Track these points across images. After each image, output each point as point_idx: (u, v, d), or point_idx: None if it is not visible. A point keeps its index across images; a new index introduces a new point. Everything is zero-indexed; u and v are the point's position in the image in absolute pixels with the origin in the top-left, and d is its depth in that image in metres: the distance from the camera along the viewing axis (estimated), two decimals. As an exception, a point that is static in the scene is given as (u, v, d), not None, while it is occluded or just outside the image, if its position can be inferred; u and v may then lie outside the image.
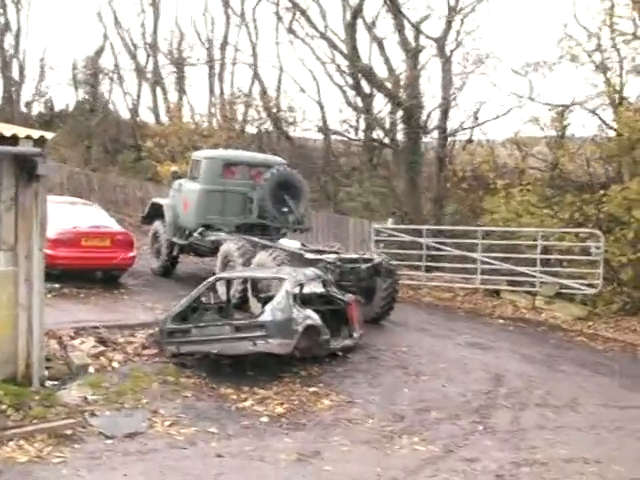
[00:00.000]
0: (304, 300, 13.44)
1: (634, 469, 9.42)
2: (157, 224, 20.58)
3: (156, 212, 20.83)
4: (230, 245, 17.07)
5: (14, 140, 10.29)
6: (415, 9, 28.17)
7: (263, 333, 11.97)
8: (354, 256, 16.55)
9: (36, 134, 10.51)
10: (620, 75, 21.73)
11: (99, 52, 45.36)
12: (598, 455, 9.75)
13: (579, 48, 21.72)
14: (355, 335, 14.00)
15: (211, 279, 14.03)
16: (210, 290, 13.85)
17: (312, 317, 12.74)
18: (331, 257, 15.85)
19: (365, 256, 16.48)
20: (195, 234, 18.86)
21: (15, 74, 47.95)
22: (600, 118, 21.84)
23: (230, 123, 35.57)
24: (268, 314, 12.21)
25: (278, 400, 11.34)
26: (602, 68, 21.38)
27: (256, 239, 17.33)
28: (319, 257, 15.86)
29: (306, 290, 13.95)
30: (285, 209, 18.66)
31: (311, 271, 14.28)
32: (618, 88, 21.51)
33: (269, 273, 14.52)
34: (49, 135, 10.71)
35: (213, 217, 18.91)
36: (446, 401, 11.83)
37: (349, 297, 14.37)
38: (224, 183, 19.01)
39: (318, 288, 14.42)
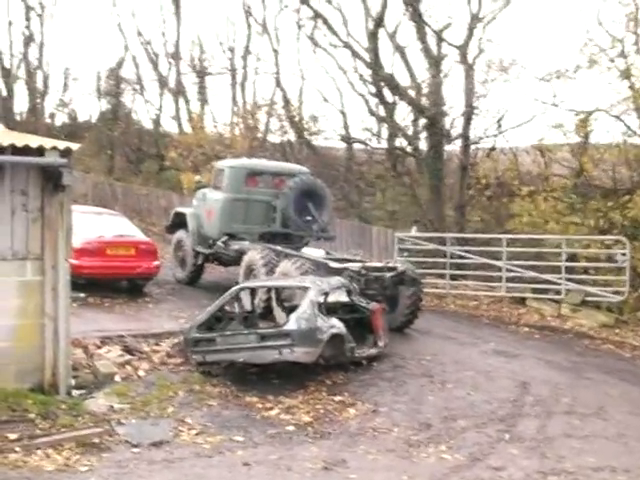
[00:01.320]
0: (329, 309, 13.44)
1: (663, 478, 9.33)
2: (180, 233, 20.57)
3: (180, 221, 20.81)
4: (254, 254, 17.02)
5: (40, 151, 10.39)
6: (437, 17, 27.87)
7: (288, 342, 12.02)
8: (378, 265, 16.47)
9: (62, 145, 10.60)
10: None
11: (120, 63, 45.71)
12: (626, 464, 9.68)
13: (602, 54, 21.59)
14: (380, 344, 13.97)
15: (235, 288, 14.05)
16: (234, 299, 13.86)
17: (337, 326, 12.75)
18: (356, 266, 15.79)
19: (389, 265, 16.40)
20: (219, 243, 18.85)
21: (39, 85, 48.38)
22: (625, 124, 21.69)
23: (252, 132, 35.66)
24: (293, 323, 12.25)
25: (304, 409, 11.34)
26: (626, 74, 21.23)
27: (280, 248, 17.25)
28: (344, 266, 15.80)
29: (331, 299, 13.95)
30: (309, 218, 18.54)
31: (335, 280, 14.31)
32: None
33: (293, 282, 14.53)
34: (74, 146, 10.81)
35: (236, 226, 18.90)
36: (472, 409, 11.78)
37: (374, 305, 14.34)
38: (247, 192, 18.97)
39: (342, 297, 14.43)
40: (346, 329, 12.91)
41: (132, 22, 44.74)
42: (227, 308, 13.76)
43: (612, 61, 21.51)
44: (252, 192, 19.02)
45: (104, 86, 47.37)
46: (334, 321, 12.84)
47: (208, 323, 13.20)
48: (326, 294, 13.59)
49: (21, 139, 10.57)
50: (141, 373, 12.28)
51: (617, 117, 21.69)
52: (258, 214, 18.94)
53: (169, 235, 22.15)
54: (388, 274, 15.75)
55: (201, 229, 19.77)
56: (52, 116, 50.23)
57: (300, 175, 19.22)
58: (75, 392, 11.00)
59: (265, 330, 12.81)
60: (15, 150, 10.21)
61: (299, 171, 19.92)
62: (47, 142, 10.64)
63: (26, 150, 10.27)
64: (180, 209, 21.69)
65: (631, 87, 21.05)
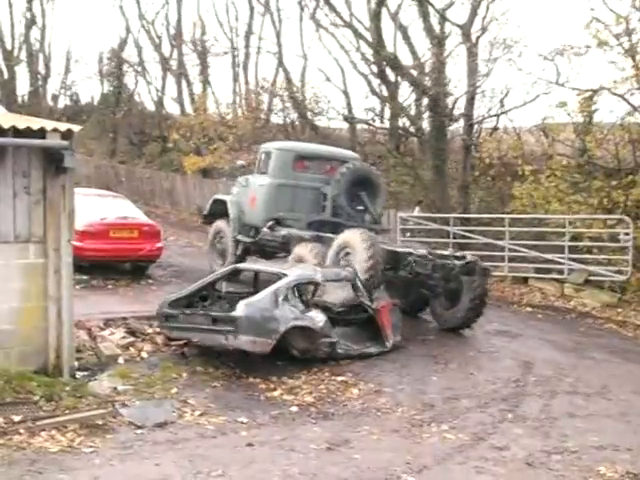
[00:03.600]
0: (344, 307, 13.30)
1: (666, 456, 9.34)
2: (220, 223, 19.50)
3: (218, 210, 19.66)
4: (302, 249, 15.78)
5: (41, 133, 10.37)
6: (440, -4, 27.74)
7: (233, 328, 11.64)
8: (445, 253, 15.71)
9: (63, 127, 10.57)
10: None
11: (122, 45, 45.59)
12: (629, 442, 9.69)
13: (607, 32, 21.44)
14: (388, 343, 13.35)
15: (227, 269, 14.01)
16: (226, 280, 13.77)
17: (311, 318, 12.33)
18: (421, 251, 15.18)
19: (457, 254, 15.56)
20: (264, 229, 17.61)
21: (41, 68, 48.29)
22: (629, 103, 21.59)
23: (255, 113, 35.60)
24: (240, 309, 11.79)
25: (307, 389, 11.35)
26: (631, 52, 21.10)
27: (331, 235, 16.08)
28: (408, 250, 15.24)
29: (333, 296, 13.66)
30: (361, 207, 17.35)
31: (334, 272, 13.88)
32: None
33: (274, 269, 13.76)
34: (76, 128, 10.75)
35: (283, 213, 17.69)
36: (475, 389, 11.78)
37: (379, 304, 13.65)
38: (296, 177, 17.83)
39: (345, 291, 13.83)
40: (330, 323, 12.54)
41: (133, 3, 44.49)
42: (225, 288, 13.75)
43: (617, 39, 21.37)
44: (300, 177, 17.89)
45: (106, 68, 47.31)
46: (313, 314, 12.45)
47: (187, 300, 13.09)
48: (315, 284, 13.25)
49: (23, 121, 10.53)
50: (144, 355, 12.30)
51: (621, 96, 21.58)
52: (306, 201, 17.78)
53: (206, 225, 21.12)
54: (457, 262, 14.82)
55: (243, 217, 18.70)
56: (54, 98, 50.27)
57: (352, 161, 18.18)
58: (79, 374, 11.02)
59: (216, 313, 12.36)
60: (16, 132, 10.19)
61: (351, 157, 18.95)
62: (48, 124, 10.62)
63: (28, 132, 10.25)
64: (219, 196, 20.52)
65: (635, 65, 20.92)
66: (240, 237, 18.62)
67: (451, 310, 15.01)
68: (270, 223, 17.52)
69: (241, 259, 18.56)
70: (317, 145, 21.31)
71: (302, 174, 17.95)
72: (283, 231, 17.30)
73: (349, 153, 19.96)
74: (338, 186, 17.26)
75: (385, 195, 18.49)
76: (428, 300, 15.63)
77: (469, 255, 15.38)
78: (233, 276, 14.64)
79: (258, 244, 18.21)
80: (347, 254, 14.92)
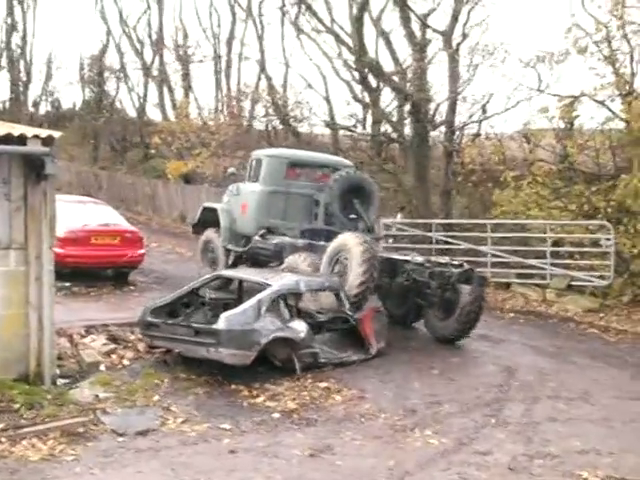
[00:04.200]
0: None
1: (648, 460, 9.38)
2: (210, 233, 19.08)
3: (208, 218, 19.25)
4: (295, 258, 15.47)
5: (22, 140, 10.31)
6: (421, 2, 27.91)
7: (214, 341, 11.56)
8: (441, 260, 15.54)
9: (44, 133, 10.53)
10: (631, 66, 21.63)
11: (103, 51, 45.48)
12: (611, 447, 9.71)
13: (587, 39, 21.59)
14: (371, 351, 13.34)
15: (209, 276, 13.98)
16: (208, 287, 13.81)
17: (292, 329, 12.29)
18: (419, 258, 15.12)
19: (454, 262, 15.35)
20: (256, 237, 17.23)
21: (22, 74, 48.09)
22: (609, 109, 21.72)
23: (237, 119, 35.58)
24: (222, 322, 11.68)
25: (290, 396, 11.32)
26: (611, 59, 21.24)
27: (324, 244, 15.78)
28: (406, 258, 15.12)
29: (316, 303, 13.69)
30: (354, 215, 17.05)
31: (318, 281, 13.81)
32: (628, 79, 21.39)
33: (259, 278, 13.58)
34: (57, 134, 10.72)
35: (275, 221, 17.50)
36: (458, 395, 11.80)
37: (361, 312, 13.66)
38: (288, 185, 17.62)
39: (326, 301, 13.87)
40: (311, 332, 12.52)
41: (114, 9, 44.44)
42: (209, 295, 13.72)
43: (597, 46, 21.51)
44: (292, 185, 17.69)
45: (87, 74, 47.17)
46: (295, 324, 12.44)
47: (170, 308, 13.06)
48: (298, 295, 13.24)
49: (2, 128, 10.47)
50: (126, 362, 12.26)
51: (601, 102, 21.71)
52: (299, 209, 17.64)
53: (195, 235, 20.59)
54: (455, 270, 14.67)
55: (234, 225, 18.40)
56: (35, 105, 50.08)
57: (345, 169, 17.90)
58: (60, 381, 10.97)
59: (198, 325, 12.26)
60: (-3, 139, 10.14)
61: (343, 164, 18.70)
62: (29, 130, 10.56)
63: (8, 139, 10.19)
64: (209, 204, 20.08)
65: (615, 72, 21.07)
66: (231, 246, 18.34)
67: (446, 321, 14.79)
68: (262, 231, 17.24)
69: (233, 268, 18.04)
70: (309, 152, 21.11)
71: (294, 182, 17.76)
72: (275, 239, 16.97)
73: (342, 160, 19.77)
74: (331, 194, 17.04)
75: (378, 203, 18.23)
76: (422, 310, 15.42)
77: (466, 265, 15.18)
78: (224, 286, 14.69)
79: (249, 253, 17.81)
80: (342, 258, 14.65)
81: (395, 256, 15.58)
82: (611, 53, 21.25)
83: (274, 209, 17.52)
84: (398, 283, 15.07)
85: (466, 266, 15.01)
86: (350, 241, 14.49)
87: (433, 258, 15.95)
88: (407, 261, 14.98)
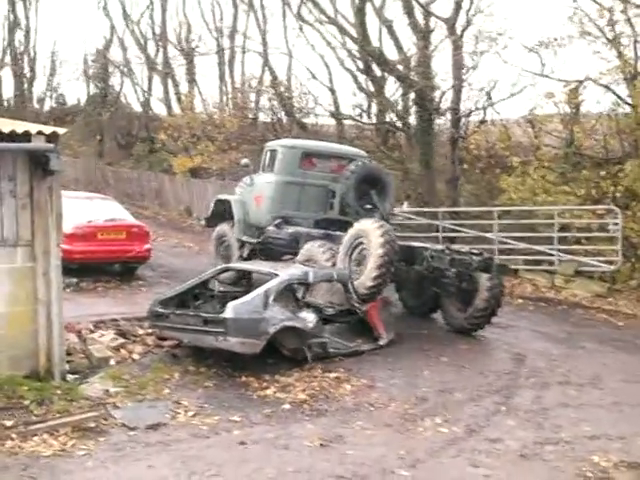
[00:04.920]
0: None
1: (658, 444, 9.37)
2: (223, 226, 18.83)
3: (222, 211, 18.99)
4: (312, 247, 15.32)
5: (27, 136, 10.32)
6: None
7: (223, 329, 11.59)
8: (461, 249, 15.50)
9: (48, 130, 10.53)
10: (635, 49, 21.54)
11: (107, 46, 45.44)
12: (622, 431, 9.72)
13: (591, 23, 21.50)
14: (381, 342, 13.35)
15: (218, 268, 13.98)
16: (218, 280, 13.87)
17: (301, 319, 12.36)
18: (438, 246, 15.08)
19: (473, 250, 15.13)
20: (271, 227, 17.08)
21: (26, 71, 48.12)
22: (615, 93, 21.65)
23: (242, 112, 35.53)
24: (230, 311, 11.73)
25: (299, 387, 11.33)
26: (615, 43, 21.16)
27: (340, 233, 15.58)
28: (425, 245, 15.06)
29: (324, 297, 13.67)
30: (369, 206, 16.68)
31: (325, 272, 13.77)
32: (632, 62, 21.30)
33: (266, 269, 13.63)
34: (61, 130, 10.75)
35: (289, 211, 17.26)
36: (467, 382, 11.80)
37: (368, 304, 13.62)
38: (303, 175, 17.35)
39: (336, 294, 13.81)
40: (320, 322, 12.60)
41: (118, 4, 44.42)
42: (219, 287, 13.75)
43: (601, 30, 21.43)
44: (308, 175, 17.42)
45: (92, 70, 47.14)
46: (304, 314, 12.50)
47: (180, 299, 13.10)
48: (307, 285, 13.29)
49: (7, 125, 10.49)
50: (135, 356, 12.25)
51: (607, 87, 21.64)
52: (314, 199, 17.38)
53: (209, 228, 20.28)
54: (476, 257, 14.42)
55: (248, 217, 18.12)
56: (40, 101, 50.09)
57: (361, 159, 17.72)
58: (70, 377, 10.98)
59: (207, 315, 12.26)
60: (1, 136, 10.14)
61: (359, 155, 18.38)
62: (33, 127, 10.57)
63: (12, 136, 10.20)
64: (223, 196, 19.77)
65: (620, 56, 20.98)
66: (245, 238, 18.09)
67: (464, 311, 14.65)
68: (277, 221, 17.08)
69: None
70: (324, 142, 20.91)
71: (309, 172, 17.54)
72: (290, 229, 16.87)
73: (357, 151, 19.45)
74: (347, 184, 16.79)
75: (394, 193, 17.99)
76: (439, 300, 15.33)
77: (485, 253, 15.04)
78: (237, 280, 14.75)
79: (264, 243, 17.53)
80: (361, 244, 14.42)
81: (413, 243, 15.47)
82: (615, 36, 21.17)
83: (289, 200, 17.32)
84: (416, 271, 14.96)
85: (486, 254, 14.89)
86: (369, 227, 14.32)
87: (452, 246, 15.83)
88: (426, 248, 14.89)
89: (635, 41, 21.44)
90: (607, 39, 21.25)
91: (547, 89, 23.46)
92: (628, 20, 21.13)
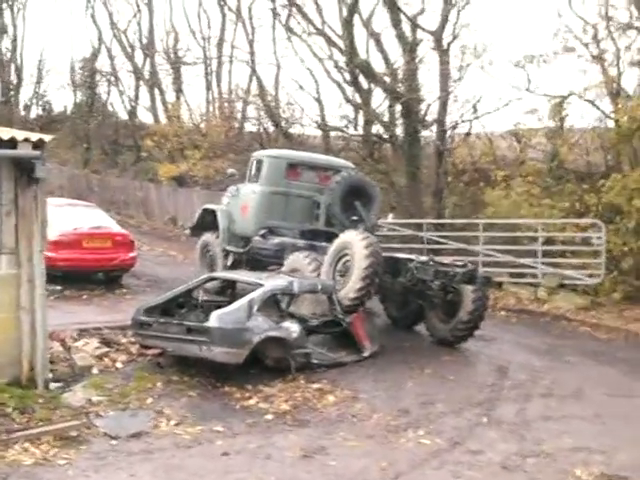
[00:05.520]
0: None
1: (640, 457, 9.42)
2: (208, 236, 18.85)
3: (207, 221, 19.05)
4: (297, 258, 15.31)
5: (12, 143, 10.30)
6: (411, 3, 27.82)
7: (206, 339, 11.58)
8: (445, 261, 15.46)
9: (34, 137, 10.51)
10: (617, 65, 21.74)
11: (94, 54, 45.39)
12: (604, 444, 9.74)
13: (575, 40, 21.71)
14: (364, 354, 13.37)
15: (202, 277, 13.99)
16: (203, 289, 13.84)
17: (285, 329, 12.36)
18: (423, 258, 15.10)
19: (457, 262, 15.13)
20: (256, 237, 17.05)
21: (13, 77, 47.99)
22: (598, 108, 21.82)
23: (228, 121, 35.55)
24: (214, 320, 11.74)
25: (282, 397, 11.33)
26: (599, 59, 21.34)
27: (325, 244, 15.58)
28: (409, 257, 15.06)
29: (309, 308, 13.67)
30: (355, 217, 16.55)
31: (310, 283, 13.74)
32: (615, 78, 21.50)
33: (251, 278, 13.69)
34: (47, 138, 10.72)
35: (275, 222, 17.23)
36: (450, 394, 11.82)
37: (352, 315, 13.62)
38: (288, 185, 17.40)
39: (320, 306, 13.80)
40: (303, 332, 12.59)
41: (105, 13, 44.31)
42: (203, 296, 13.73)
43: (586, 46, 21.62)
44: (293, 186, 17.45)
45: (79, 78, 47.07)
46: (287, 324, 12.50)
47: (164, 308, 13.05)
48: (291, 295, 13.29)
49: (-8, 132, 10.47)
50: (119, 365, 12.21)
51: (591, 102, 21.82)
52: (299, 210, 17.38)
53: (193, 237, 20.26)
54: (459, 269, 14.42)
55: (233, 227, 18.18)
56: (27, 108, 49.94)
57: (347, 170, 17.75)
58: (53, 385, 10.92)
59: (191, 323, 12.23)
60: (-13, 143, 10.13)
61: (345, 166, 18.47)
62: (19, 134, 10.54)
63: (-2, 142, 10.19)
64: (209, 206, 19.72)
65: (603, 72, 21.17)
66: (230, 247, 18.11)
67: (448, 322, 14.66)
68: (263, 231, 17.05)
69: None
70: (310, 153, 20.91)
71: (295, 182, 17.53)
72: (276, 239, 16.83)
73: (343, 162, 19.54)
74: (332, 195, 16.76)
75: (379, 205, 17.93)
76: (423, 312, 15.33)
77: (470, 265, 14.98)
78: (222, 290, 14.77)
79: (249, 254, 17.56)
80: (345, 255, 14.36)
81: (398, 255, 15.52)
82: (599, 53, 21.36)
83: (275, 210, 17.32)
84: (400, 283, 14.99)
85: (470, 266, 14.84)
86: (354, 239, 14.26)
87: (436, 258, 15.88)
88: (411, 259, 14.91)
89: (618, 57, 21.64)
90: (592, 56, 21.42)
91: (532, 103, 23.67)
92: (610, 36, 21.33)
